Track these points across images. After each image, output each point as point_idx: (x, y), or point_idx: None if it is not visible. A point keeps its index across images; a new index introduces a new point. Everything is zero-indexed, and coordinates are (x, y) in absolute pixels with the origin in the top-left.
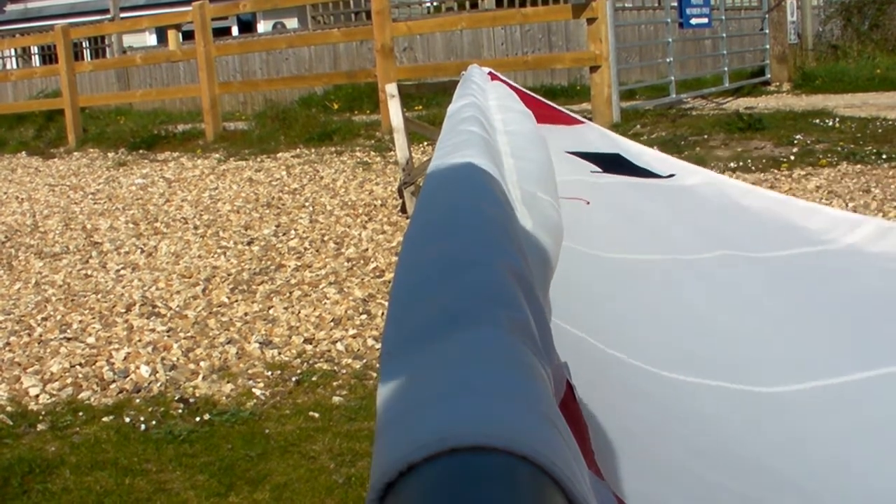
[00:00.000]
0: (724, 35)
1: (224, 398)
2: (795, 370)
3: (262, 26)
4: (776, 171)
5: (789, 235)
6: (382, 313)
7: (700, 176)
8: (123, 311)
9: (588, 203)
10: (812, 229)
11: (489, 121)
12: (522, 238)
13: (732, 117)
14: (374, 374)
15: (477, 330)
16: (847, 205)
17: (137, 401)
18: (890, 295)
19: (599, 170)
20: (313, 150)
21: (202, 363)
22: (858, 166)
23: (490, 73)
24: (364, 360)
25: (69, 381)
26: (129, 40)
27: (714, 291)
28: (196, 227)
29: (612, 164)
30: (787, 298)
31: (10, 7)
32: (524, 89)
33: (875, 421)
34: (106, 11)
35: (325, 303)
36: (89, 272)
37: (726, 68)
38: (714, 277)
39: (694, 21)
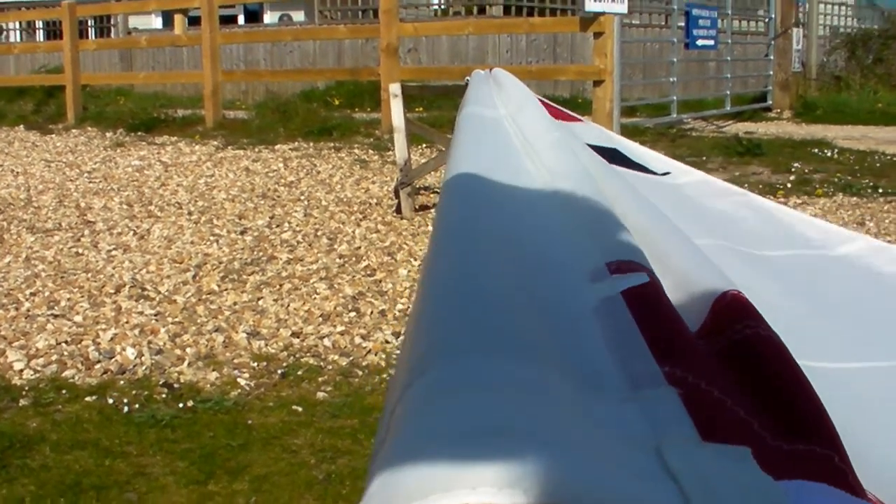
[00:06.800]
0: (729, 58)
1: (208, 386)
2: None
3: (269, 17)
4: (772, 197)
5: (785, 238)
6: (371, 311)
7: (695, 175)
8: (112, 291)
9: None
10: (807, 235)
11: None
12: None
13: (732, 141)
14: (360, 372)
15: (451, 363)
16: None
17: (121, 382)
18: (885, 298)
19: None
20: (312, 145)
21: (188, 349)
22: (854, 198)
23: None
24: (350, 358)
25: (54, 358)
26: (134, 22)
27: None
28: (190, 213)
29: (609, 157)
30: (781, 291)
31: None
32: None
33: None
34: None
35: (315, 297)
36: (80, 250)
37: (728, 92)
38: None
39: (700, 42)
